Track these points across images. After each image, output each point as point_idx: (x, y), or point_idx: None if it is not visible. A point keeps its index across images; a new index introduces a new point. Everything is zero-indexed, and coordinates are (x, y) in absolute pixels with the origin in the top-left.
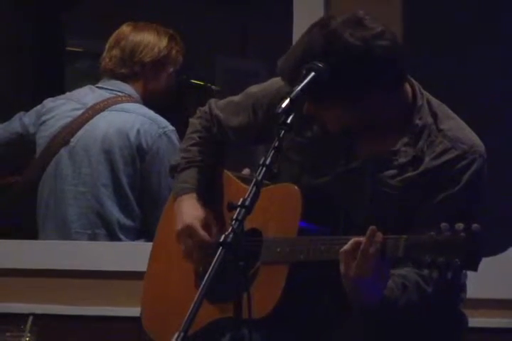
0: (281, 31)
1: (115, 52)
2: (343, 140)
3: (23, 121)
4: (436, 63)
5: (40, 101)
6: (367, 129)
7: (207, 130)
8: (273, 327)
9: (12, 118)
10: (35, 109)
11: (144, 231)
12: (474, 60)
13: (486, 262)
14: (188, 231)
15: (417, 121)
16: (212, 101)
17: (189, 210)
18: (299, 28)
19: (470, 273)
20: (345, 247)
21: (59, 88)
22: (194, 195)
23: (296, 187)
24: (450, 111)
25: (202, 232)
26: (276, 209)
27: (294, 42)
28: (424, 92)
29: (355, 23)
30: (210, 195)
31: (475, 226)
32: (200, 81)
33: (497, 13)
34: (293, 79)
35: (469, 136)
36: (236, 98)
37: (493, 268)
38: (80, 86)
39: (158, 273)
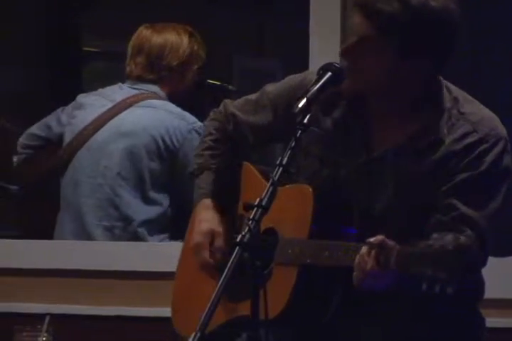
0: (298, 31)
1: (140, 58)
2: (361, 130)
3: (61, 121)
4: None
5: (56, 102)
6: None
7: (220, 131)
8: (284, 329)
9: (50, 118)
10: (70, 105)
11: (168, 226)
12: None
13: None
14: (197, 249)
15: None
16: (228, 101)
17: (201, 221)
18: (316, 27)
19: None
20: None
21: (76, 88)
22: (208, 201)
23: (309, 188)
24: (469, 96)
25: (205, 254)
26: (291, 209)
27: (310, 42)
28: (442, 80)
29: None
30: (228, 192)
31: (463, 239)
32: (217, 81)
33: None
34: None
35: (491, 120)
36: (253, 96)
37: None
38: (97, 86)
39: (186, 273)
